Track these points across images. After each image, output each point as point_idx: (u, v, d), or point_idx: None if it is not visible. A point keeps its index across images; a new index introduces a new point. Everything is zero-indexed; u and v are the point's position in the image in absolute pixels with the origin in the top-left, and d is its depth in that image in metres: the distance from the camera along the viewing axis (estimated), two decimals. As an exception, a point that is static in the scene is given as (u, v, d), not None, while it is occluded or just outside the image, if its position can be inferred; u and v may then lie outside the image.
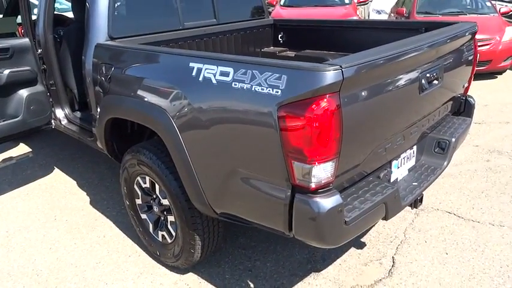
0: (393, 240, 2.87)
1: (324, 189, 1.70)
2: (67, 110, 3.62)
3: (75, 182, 3.89)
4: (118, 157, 2.94)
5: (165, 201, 2.46)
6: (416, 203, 2.30)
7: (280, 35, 3.98)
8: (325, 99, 1.57)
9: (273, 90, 1.65)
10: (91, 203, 3.52)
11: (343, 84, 1.59)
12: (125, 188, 2.76)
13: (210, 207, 2.12)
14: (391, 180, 2.26)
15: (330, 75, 1.55)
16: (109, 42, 2.72)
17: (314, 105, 1.57)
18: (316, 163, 1.63)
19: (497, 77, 7.09)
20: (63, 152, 4.53)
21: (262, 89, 1.69)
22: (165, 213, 2.55)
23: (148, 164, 2.39)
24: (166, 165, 2.33)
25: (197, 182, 2.08)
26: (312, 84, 1.56)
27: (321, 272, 2.61)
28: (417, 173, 2.43)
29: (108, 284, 2.58)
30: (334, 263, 2.69)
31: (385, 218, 2.01)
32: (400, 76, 1.94)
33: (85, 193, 3.69)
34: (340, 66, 1.56)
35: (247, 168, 1.86)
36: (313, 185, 1.66)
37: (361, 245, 2.83)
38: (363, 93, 1.73)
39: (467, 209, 3.21)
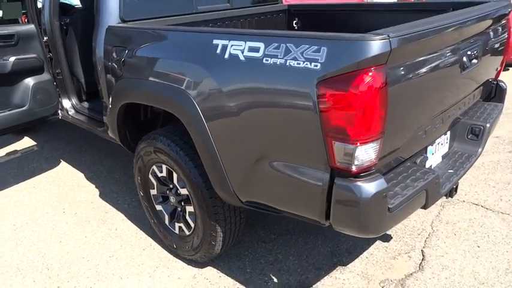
0: (420, 233, 2.73)
1: (365, 172, 1.56)
2: (74, 100, 3.47)
3: (83, 175, 3.75)
4: (131, 146, 2.80)
5: (184, 191, 2.32)
6: (451, 192, 2.16)
7: (294, 21, 3.83)
8: (370, 73, 1.43)
9: (311, 64, 1.51)
10: (100, 195, 3.38)
11: (391, 56, 1.44)
12: (138, 178, 2.62)
13: (235, 195, 1.98)
14: (427, 167, 2.12)
15: (377, 45, 1.40)
16: (122, 24, 2.57)
17: (359, 79, 1.43)
18: (359, 143, 1.49)
19: (509, 69, 6.94)
20: (69, 145, 4.39)
21: (299, 64, 1.54)
22: (182, 203, 2.41)
23: (166, 152, 2.25)
24: (185, 152, 2.18)
25: (222, 169, 1.94)
26: (356, 56, 1.42)
27: (347, 265, 2.47)
28: (451, 160, 2.29)
29: (123, 278, 2.44)
30: (361, 256, 2.55)
31: (425, 207, 1.87)
32: (445, 51, 1.80)
33: (94, 186, 3.55)
34: (388, 36, 1.42)
35: (279, 151, 1.72)
36: (354, 168, 1.52)
37: (387, 238, 2.69)
38: (409, 68, 1.59)
39: (494, 200, 3.07)
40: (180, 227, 2.50)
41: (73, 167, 3.92)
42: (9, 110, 3.01)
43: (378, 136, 1.52)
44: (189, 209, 2.35)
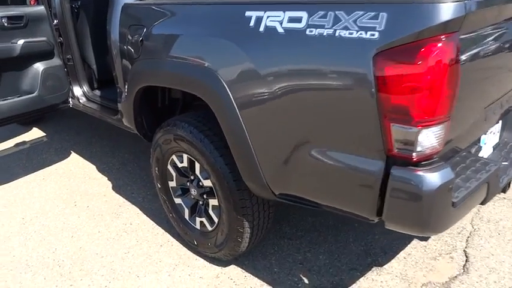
0: (461, 232, 2.51)
1: (427, 161, 1.34)
2: (85, 88, 3.29)
3: (94, 167, 3.57)
4: (147, 135, 2.61)
5: (207, 183, 2.12)
6: (505, 187, 1.94)
7: None
8: (440, 43, 1.22)
9: (366, 34, 1.30)
10: (113, 188, 3.20)
11: (464, 23, 1.23)
12: (156, 169, 2.42)
13: (267, 187, 1.77)
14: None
15: (450, 8, 1.19)
16: (139, 1, 2.37)
17: (426, 50, 1.21)
18: (423, 126, 1.27)
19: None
20: (79, 136, 4.21)
21: (351, 33, 1.33)
22: (205, 196, 2.21)
23: (188, 139, 2.05)
24: (210, 140, 1.98)
25: (254, 158, 1.73)
26: (424, 22, 1.20)
27: (384, 266, 2.26)
28: (503, 151, 2.07)
29: (140, 277, 2.26)
30: (397, 256, 2.34)
31: (483, 202, 1.66)
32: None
33: (106, 178, 3.36)
34: (463, -2, 1.20)
35: (324, 137, 1.51)
36: (415, 156, 1.31)
37: (424, 237, 2.48)
38: (480, 39, 1.37)
39: (538, 197, 2.84)
40: (201, 222, 2.30)
41: (84, 158, 3.74)
42: (18, 97, 2.83)
43: (445, 118, 1.30)
44: (213, 202, 2.15)
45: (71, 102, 3.23)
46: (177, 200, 2.42)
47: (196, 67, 1.82)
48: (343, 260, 2.32)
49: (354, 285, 2.14)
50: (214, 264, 2.32)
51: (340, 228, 2.57)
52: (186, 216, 2.39)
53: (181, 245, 2.49)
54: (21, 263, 2.42)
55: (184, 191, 2.38)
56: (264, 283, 2.18)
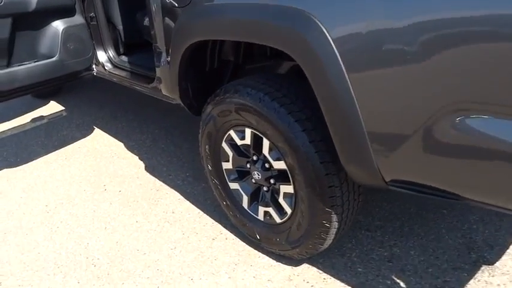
0: None
1: None
2: (111, 52, 2.82)
3: (122, 144, 3.15)
4: (193, 106, 2.16)
5: (279, 165, 1.67)
6: None
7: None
8: None
9: None
10: (147, 169, 2.78)
11: None
12: (207, 147, 1.98)
13: (378, 172, 1.32)
14: None
15: None
16: None
17: None
18: None
19: None
20: (102, 110, 3.78)
21: None
22: (272, 181, 1.77)
23: (257, 110, 1.59)
24: (288, 110, 1.52)
25: (364, 135, 1.27)
26: None
27: (496, 265, 1.82)
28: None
29: (195, 280, 1.85)
30: (509, 252, 1.89)
31: None
32: None
33: (136, 157, 2.94)
34: None
35: (482, 102, 1.04)
36: None
37: (538, 226, 2.02)
38: None
39: None
40: (266, 213, 1.87)
41: (109, 135, 3.32)
42: (35, 62, 2.38)
43: None
44: (285, 189, 1.71)
45: (95, 69, 2.78)
46: (233, 185, 1.99)
47: (282, 10, 1.34)
48: (441, 256, 1.89)
49: (464, 290, 1.72)
50: (281, 262, 1.91)
51: (426, 216, 2.13)
52: (245, 204, 1.96)
53: (238, 239, 2.07)
54: (48, 262, 2.03)
55: (242, 175, 1.94)
56: (349, 288, 1.76)
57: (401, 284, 1.76)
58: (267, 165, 1.76)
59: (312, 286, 1.77)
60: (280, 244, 1.82)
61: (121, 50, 2.95)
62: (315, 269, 1.86)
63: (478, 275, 1.78)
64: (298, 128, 1.50)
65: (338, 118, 1.30)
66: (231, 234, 2.10)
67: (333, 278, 1.81)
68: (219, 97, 1.78)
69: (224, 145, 1.91)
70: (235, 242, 2.05)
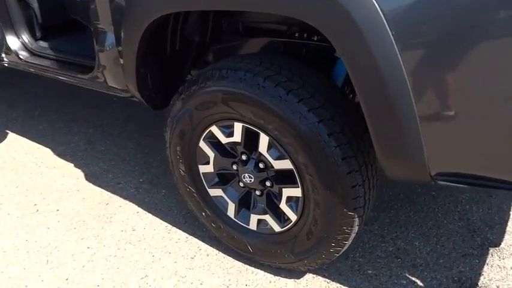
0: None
1: None
2: (26, 37, 2.24)
3: (48, 150, 2.57)
4: (152, 98, 1.74)
5: (280, 164, 1.37)
6: None
7: None
8: None
9: None
10: (88, 178, 2.28)
11: None
12: (178, 148, 1.60)
13: (425, 165, 1.09)
14: None
15: None
16: None
17: None
18: None
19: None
20: (14, 110, 3.09)
21: None
22: (268, 184, 1.47)
23: (257, 99, 1.26)
24: (298, 97, 1.22)
25: (415, 120, 1.02)
26: None
27: (502, 246, 1.74)
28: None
29: (183, 316, 1.50)
30: (509, 229, 1.82)
31: None
32: None
33: (71, 165, 2.41)
34: None
35: None
36: None
37: (526, 200, 2.00)
38: None
39: None
40: (260, 221, 1.57)
41: (29, 139, 2.70)
42: None
43: None
44: (290, 192, 1.41)
45: (5, 59, 2.19)
46: (214, 192, 1.65)
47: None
48: (446, 244, 1.76)
49: (481, 278, 1.60)
50: (281, 276, 1.62)
51: (417, 201, 1.99)
52: (231, 213, 1.64)
53: (223, 254, 1.74)
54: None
55: (225, 179, 1.61)
56: (364, 295, 1.55)
57: (418, 282, 1.59)
58: (261, 165, 1.45)
59: (324, 300, 1.53)
60: (282, 256, 1.54)
61: (37, 34, 2.37)
62: (320, 278, 1.62)
63: (489, 259, 1.68)
64: (313, 119, 1.22)
65: (382, 103, 1.04)
66: (213, 249, 1.77)
67: (343, 287, 1.58)
68: (197, 86, 1.42)
69: (203, 145, 1.55)
70: (220, 258, 1.73)
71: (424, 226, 1.85)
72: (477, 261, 1.67)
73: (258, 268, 1.66)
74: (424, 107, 1.00)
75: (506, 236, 1.78)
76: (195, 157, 1.61)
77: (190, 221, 1.91)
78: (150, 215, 1.99)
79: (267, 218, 1.53)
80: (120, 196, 2.13)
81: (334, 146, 1.22)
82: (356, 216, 1.31)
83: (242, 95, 1.29)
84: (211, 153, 1.55)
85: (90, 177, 2.29)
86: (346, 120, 1.27)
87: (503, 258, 1.67)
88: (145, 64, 1.59)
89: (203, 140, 1.54)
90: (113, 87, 1.80)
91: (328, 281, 1.60)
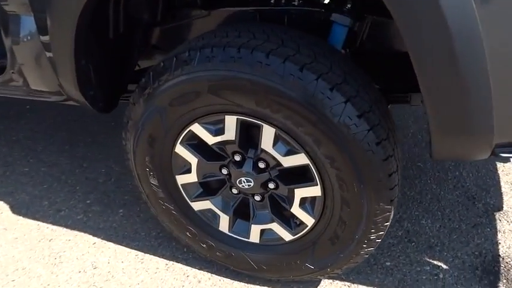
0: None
1: None
2: None
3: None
4: (97, 98, 1.34)
5: (294, 160, 1.09)
6: None
7: None
8: None
9: None
10: (15, 210, 1.77)
11: None
12: (147, 158, 1.24)
13: (492, 138, 0.89)
14: None
15: None
16: None
17: None
18: None
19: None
20: None
21: None
22: (272, 186, 1.19)
23: (260, 81, 0.97)
24: (317, 74, 0.95)
25: (487, 85, 0.80)
26: None
27: (504, 210, 1.66)
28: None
29: None
30: (504, 191, 1.76)
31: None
32: None
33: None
34: None
35: None
36: None
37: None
38: None
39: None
40: (264, 231, 1.29)
41: None
42: None
43: None
44: (306, 192, 1.14)
45: None
46: (199, 205, 1.32)
47: None
48: (452, 217, 1.63)
49: (500, 247, 1.49)
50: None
51: (407, 175, 1.84)
52: (224, 227, 1.33)
53: (218, 276, 1.42)
54: None
55: (210, 188, 1.30)
56: (393, 292, 1.35)
57: (442, 265, 1.44)
58: (261, 164, 1.17)
59: (352, 309, 1.31)
60: (297, 269, 1.28)
61: None
62: (339, 283, 1.39)
63: (499, 226, 1.59)
64: (339, 98, 0.95)
65: (449, 68, 0.81)
66: (204, 273, 1.44)
67: (366, 287, 1.38)
68: (169, 75, 1.07)
69: (180, 150, 1.22)
70: (215, 283, 1.41)
71: (423, 201, 1.71)
72: (488, 229, 1.57)
73: (264, 286, 1.39)
74: (499, 71, 0.79)
75: (505, 198, 1.72)
76: (171, 166, 1.27)
77: (166, 243, 1.57)
78: (111, 245, 1.59)
79: (274, 226, 1.26)
80: (66, 227, 1.69)
81: (366, 130, 0.97)
82: (392, 209, 1.09)
83: (238, 78, 0.99)
84: (193, 159, 1.22)
85: (19, 209, 1.79)
86: (370, 94, 1.03)
87: (511, 222, 1.60)
88: (87, 54, 1.19)
89: (180, 143, 1.20)
90: (37, 90, 1.36)
91: (349, 284, 1.38)
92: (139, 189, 1.37)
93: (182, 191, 1.31)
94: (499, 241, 1.51)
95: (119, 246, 1.58)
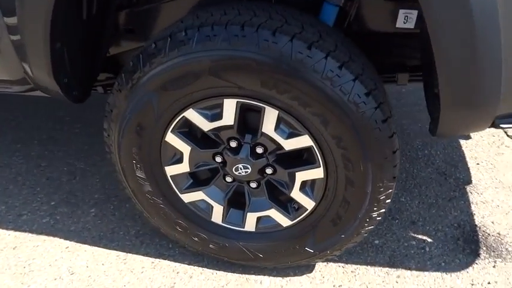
0: None
1: None
2: None
3: None
4: (72, 86, 1.21)
5: (296, 143, 1.06)
6: None
7: None
8: None
9: None
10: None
11: None
12: (134, 149, 1.15)
13: (495, 110, 0.91)
14: None
15: None
16: None
17: None
18: None
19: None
20: None
21: None
22: (269, 171, 1.15)
23: (267, 61, 0.92)
24: (325, 51, 0.92)
25: (499, 60, 0.82)
26: None
27: (474, 182, 1.76)
28: None
29: None
30: (470, 165, 1.86)
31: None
32: None
33: None
34: None
35: None
36: None
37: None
38: None
39: None
40: (260, 219, 1.25)
41: None
42: None
43: None
44: (308, 174, 1.11)
45: None
46: (190, 196, 1.25)
47: None
48: (428, 193, 1.70)
49: (475, 218, 1.57)
50: (290, 275, 1.34)
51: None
52: (217, 218, 1.27)
53: (210, 270, 1.37)
54: None
55: (198, 178, 1.23)
56: (389, 270, 1.37)
57: (427, 238, 1.49)
58: (259, 150, 1.12)
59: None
60: (296, 254, 1.26)
61: None
62: (333, 265, 1.39)
63: (471, 198, 1.67)
64: (348, 76, 0.94)
65: (463, 39, 0.81)
66: (195, 268, 1.37)
67: (359, 266, 1.39)
68: (162, 56, 0.99)
69: (171, 138, 1.14)
70: (208, 277, 1.35)
71: (400, 179, 1.77)
72: (462, 202, 1.66)
73: (260, 274, 1.35)
74: (508, 43, 0.82)
75: (472, 172, 1.82)
76: (160, 157, 1.18)
77: (148, 240, 1.48)
78: (87, 247, 1.47)
79: (271, 213, 1.22)
80: (31, 232, 1.54)
81: (374, 107, 0.97)
82: (394, 185, 1.10)
83: (244, 58, 0.93)
84: (185, 147, 1.15)
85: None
86: (372, 71, 1.03)
87: (481, 194, 1.69)
88: (62, 36, 1.06)
89: (172, 131, 1.12)
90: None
91: (343, 264, 1.39)
92: (123, 185, 1.27)
93: (172, 183, 1.23)
94: (474, 212, 1.60)
95: (96, 248, 1.47)
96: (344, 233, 1.18)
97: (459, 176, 1.79)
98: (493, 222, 1.55)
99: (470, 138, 2.03)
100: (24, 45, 1.05)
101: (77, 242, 1.49)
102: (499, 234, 1.50)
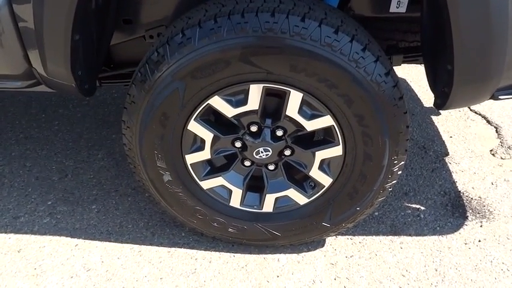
0: None
1: None
2: None
3: None
4: (84, 80, 1.18)
5: (319, 123, 1.12)
6: None
7: None
8: None
9: None
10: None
11: None
12: (157, 140, 1.15)
13: (497, 83, 1.03)
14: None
15: None
16: None
17: None
18: None
19: None
20: None
21: None
22: (288, 153, 1.21)
23: (297, 46, 0.97)
24: (350, 35, 0.99)
25: (506, 36, 0.93)
26: None
27: (451, 154, 1.92)
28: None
29: None
30: (444, 138, 2.03)
31: None
32: None
33: None
34: None
35: None
36: None
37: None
38: None
39: None
40: (277, 199, 1.30)
41: None
42: None
43: None
44: (327, 153, 1.18)
45: None
46: (209, 183, 1.28)
47: None
48: (413, 165, 1.83)
49: (458, 186, 1.73)
50: (304, 251, 1.42)
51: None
52: (236, 202, 1.31)
53: (228, 253, 1.40)
54: None
55: (214, 164, 1.27)
56: (393, 238, 1.48)
57: (420, 207, 1.62)
58: (279, 132, 1.18)
59: (359, 258, 1.41)
60: (313, 229, 1.33)
61: None
62: (342, 238, 1.48)
63: (451, 167, 1.84)
64: (371, 58, 1.01)
65: (479, 18, 0.91)
66: (212, 253, 1.40)
67: (365, 237, 1.49)
68: (192, 45, 1.00)
69: (194, 126, 1.15)
70: (227, 260, 1.39)
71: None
72: (444, 172, 1.82)
73: (276, 253, 1.41)
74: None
75: (447, 144, 1.99)
76: (181, 146, 1.20)
77: (160, 231, 1.48)
78: (98, 243, 1.45)
79: (289, 192, 1.28)
80: (33, 233, 1.48)
81: (392, 86, 1.05)
82: (405, 158, 1.20)
83: (276, 43, 0.97)
84: (208, 135, 1.17)
85: (-36, 224, 1.51)
86: (385, 54, 1.11)
87: (458, 163, 1.86)
88: (80, 27, 1.03)
89: (195, 119, 1.14)
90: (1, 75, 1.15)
91: (350, 237, 1.49)
92: (140, 176, 1.27)
93: (192, 171, 1.25)
94: (455, 180, 1.76)
95: (108, 243, 1.45)
96: (360, 205, 1.27)
97: (437, 148, 1.95)
98: (473, 188, 1.72)
99: (440, 114, 2.22)
100: (41, 37, 1.01)
101: (85, 239, 1.46)
102: (480, 197, 1.67)
